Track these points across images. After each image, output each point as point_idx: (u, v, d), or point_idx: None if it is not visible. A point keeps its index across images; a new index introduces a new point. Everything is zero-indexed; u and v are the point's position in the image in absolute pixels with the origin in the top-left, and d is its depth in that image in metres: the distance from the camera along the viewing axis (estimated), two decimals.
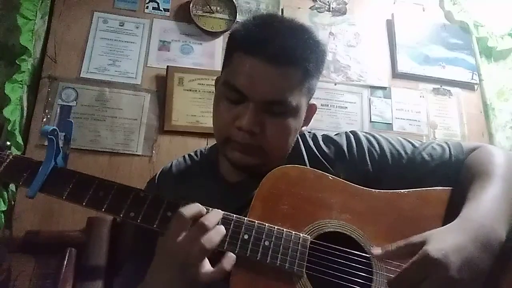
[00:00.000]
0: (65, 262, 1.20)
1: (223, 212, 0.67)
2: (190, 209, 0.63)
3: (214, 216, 0.65)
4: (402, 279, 0.58)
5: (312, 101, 0.86)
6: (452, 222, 0.65)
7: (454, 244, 0.59)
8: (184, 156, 0.96)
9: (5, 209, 1.29)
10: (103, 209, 0.67)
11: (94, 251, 1.24)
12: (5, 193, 1.28)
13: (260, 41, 0.73)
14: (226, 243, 0.65)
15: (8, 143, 1.17)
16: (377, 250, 0.64)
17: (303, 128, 0.86)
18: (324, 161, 0.84)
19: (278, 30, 0.75)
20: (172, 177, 0.91)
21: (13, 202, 1.33)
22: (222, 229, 0.65)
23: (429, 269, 0.56)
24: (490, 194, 0.68)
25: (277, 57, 0.72)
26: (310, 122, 0.89)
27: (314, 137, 0.90)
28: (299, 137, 0.87)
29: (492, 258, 0.60)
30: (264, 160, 0.78)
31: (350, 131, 0.90)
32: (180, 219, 0.62)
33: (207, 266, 0.61)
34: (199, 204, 0.66)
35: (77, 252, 1.23)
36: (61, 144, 0.74)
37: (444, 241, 0.59)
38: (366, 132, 0.90)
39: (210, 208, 0.67)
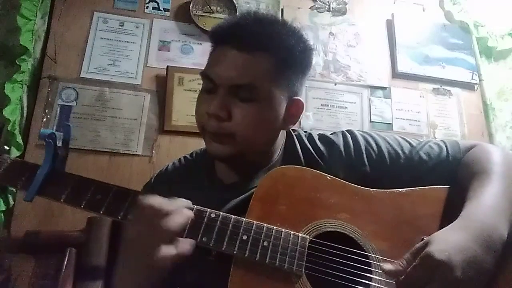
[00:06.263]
0: (65, 262, 1.20)
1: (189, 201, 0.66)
2: (151, 197, 0.62)
3: (177, 201, 0.64)
4: (407, 282, 0.58)
5: (311, 101, 0.84)
6: (454, 222, 0.65)
7: (457, 244, 0.59)
8: (179, 159, 0.96)
9: (5, 209, 1.30)
10: (101, 212, 0.67)
11: (94, 251, 1.25)
12: (4, 194, 1.28)
13: (230, 29, 0.77)
14: (224, 244, 0.65)
15: (7, 147, 1.17)
16: (388, 266, 0.62)
17: (291, 127, 0.85)
18: (320, 160, 0.83)
19: (250, 19, 0.77)
20: (169, 179, 0.91)
21: (13, 202, 1.33)
22: (188, 213, 0.64)
23: (433, 271, 0.56)
24: (489, 192, 0.68)
25: (244, 42, 0.74)
26: (310, 122, 0.87)
27: (310, 137, 0.89)
28: (294, 137, 0.86)
29: (495, 256, 0.60)
30: (238, 148, 0.76)
31: (347, 130, 0.89)
32: (143, 207, 0.60)
33: (165, 250, 0.58)
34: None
35: (77, 252, 1.24)
36: (59, 145, 0.74)
37: (447, 242, 0.59)
38: (363, 131, 0.89)
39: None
